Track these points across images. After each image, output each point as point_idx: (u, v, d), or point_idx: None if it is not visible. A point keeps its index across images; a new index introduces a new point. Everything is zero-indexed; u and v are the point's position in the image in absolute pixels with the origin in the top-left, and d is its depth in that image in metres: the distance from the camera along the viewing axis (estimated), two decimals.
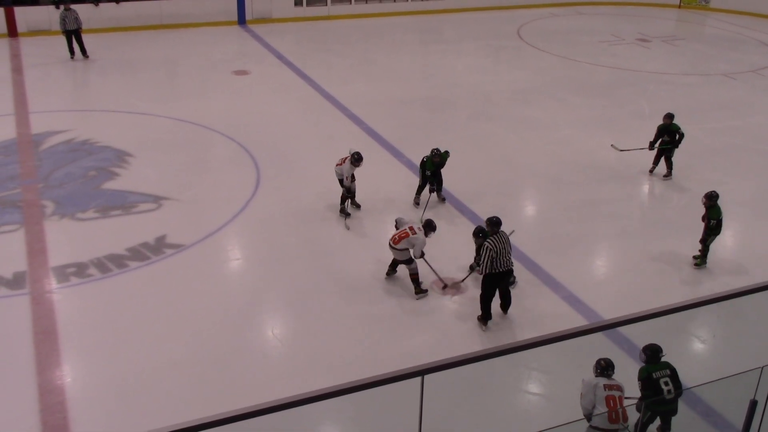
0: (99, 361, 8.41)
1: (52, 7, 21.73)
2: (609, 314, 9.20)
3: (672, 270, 10.40)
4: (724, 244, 10.96)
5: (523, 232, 11.31)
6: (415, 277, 9.62)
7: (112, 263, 10.21)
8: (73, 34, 19.36)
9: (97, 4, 22.32)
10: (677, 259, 10.61)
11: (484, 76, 19.38)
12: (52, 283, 9.78)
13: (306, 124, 15.64)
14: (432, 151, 11.70)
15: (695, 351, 9.07)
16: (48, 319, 9.05)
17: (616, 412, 6.48)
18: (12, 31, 21.69)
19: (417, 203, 11.90)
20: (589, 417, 6.58)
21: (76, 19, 19.23)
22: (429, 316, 9.28)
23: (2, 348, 8.52)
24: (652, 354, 6.86)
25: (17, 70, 18.84)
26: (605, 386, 6.60)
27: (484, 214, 11.66)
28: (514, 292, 9.45)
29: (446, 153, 11.87)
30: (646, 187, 13.24)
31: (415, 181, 12.23)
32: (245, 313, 9.33)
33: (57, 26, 20.62)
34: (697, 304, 5.22)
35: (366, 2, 25.92)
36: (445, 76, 19.30)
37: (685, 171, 13.46)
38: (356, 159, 11.18)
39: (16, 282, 9.76)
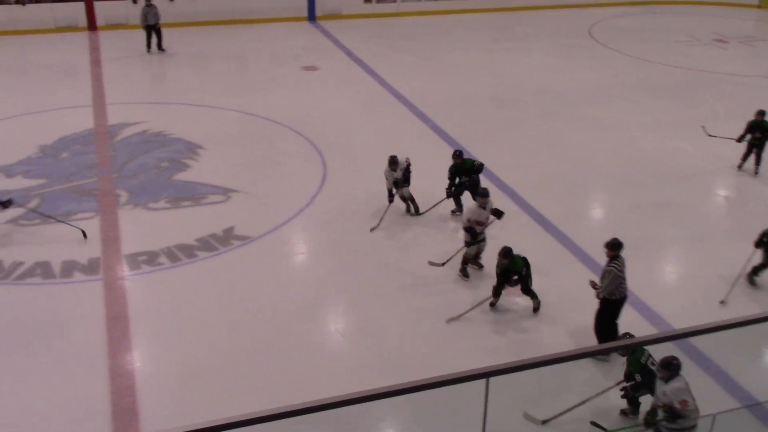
0: (167, 347, 8.65)
1: (129, 2, 22.37)
2: (678, 322, 8.98)
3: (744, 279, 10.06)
4: None
5: (590, 234, 11.13)
6: (465, 258, 9.87)
7: (181, 253, 10.48)
8: (152, 28, 19.92)
9: (172, 0, 22.89)
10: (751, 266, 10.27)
11: (553, 74, 19.11)
12: (125, 270, 10.09)
13: (373, 121, 15.71)
14: (454, 152, 11.29)
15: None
16: (120, 305, 9.35)
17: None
18: (91, 25, 22.42)
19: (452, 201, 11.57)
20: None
21: (156, 14, 19.81)
22: (497, 317, 9.20)
23: (76, 331, 8.85)
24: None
25: (96, 62, 19.48)
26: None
27: (549, 214, 11.59)
28: (580, 295, 9.32)
29: (469, 161, 11.24)
30: (720, 191, 12.89)
31: (479, 178, 12.17)
32: (308, 306, 9.45)
33: (134, 20, 21.33)
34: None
35: None
36: (514, 74, 19.11)
37: (764, 176, 13.05)
38: (389, 162, 11.11)
39: (90, 268, 10.11)
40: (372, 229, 11.17)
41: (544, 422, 7.42)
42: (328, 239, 11.02)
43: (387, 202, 11.34)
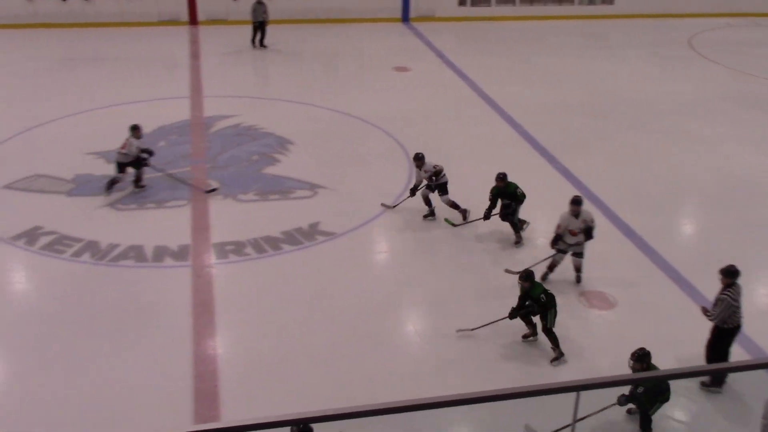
0: (249, 336, 8.88)
1: None
2: None
3: None
4: None
5: (680, 251, 10.81)
6: (552, 264, 9.79)
7: (267, 245, 10.71)
8: (260, 25, 20.44)
9: None
10: None
11: (649, 85, 18.58)
12: (212, 259, 10.39)
13: (461, 124, 15.65)
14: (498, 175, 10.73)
15: None
16: (206, 292, 9.63)
17: None
18: (193, 20, 23.15)
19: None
20: None
21: (266, 11, 20.34)
22: (581, 330, 9.00)
23: (164, 314, 9.18)
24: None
25: (195, 56, 20.13)
26: None
27: (638, 228, 11.30)
28: (670, 317, 9.02)
29: (513, 185, 10.66)
30: None
31: (568, 188, 11.98)
32: (388, 305, 9.51)
33: (234, 16, 22.12)
34: None
35: (531, 4, 25.54)
36: (607, 83, 18.68)
37: None
38: (413, 158, 11.35)
39: (180, 254, 10.45)
40: (383, 204, 11.67)
41: None
42: (410, 240, 11.05)
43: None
